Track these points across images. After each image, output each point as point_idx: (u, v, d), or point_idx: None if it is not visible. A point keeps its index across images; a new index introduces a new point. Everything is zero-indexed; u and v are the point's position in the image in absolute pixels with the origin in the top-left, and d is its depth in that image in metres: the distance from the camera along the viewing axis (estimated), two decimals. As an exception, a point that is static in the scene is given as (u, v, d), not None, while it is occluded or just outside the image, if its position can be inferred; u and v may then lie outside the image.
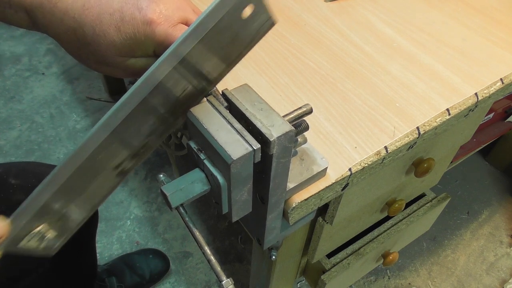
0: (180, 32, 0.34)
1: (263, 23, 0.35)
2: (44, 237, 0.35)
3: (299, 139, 0.42)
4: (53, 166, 0.75)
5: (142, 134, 0.36)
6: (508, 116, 1.08)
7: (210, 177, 0.38)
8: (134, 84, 0.32)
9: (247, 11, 0.32)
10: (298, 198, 0.43)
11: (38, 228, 0.34)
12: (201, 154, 0.38)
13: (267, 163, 0.36)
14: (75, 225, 0.38)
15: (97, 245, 1.22)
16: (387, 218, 0.83)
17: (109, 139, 0.32)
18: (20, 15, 0.35)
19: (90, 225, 0.82)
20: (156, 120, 0.36)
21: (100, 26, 0.33)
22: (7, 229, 0.27)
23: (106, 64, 0.36)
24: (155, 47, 0.35)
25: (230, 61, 0.37)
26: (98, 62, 0.36)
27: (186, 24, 0.36)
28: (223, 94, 0.38)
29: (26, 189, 0.66)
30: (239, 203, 0.39)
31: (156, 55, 0.36)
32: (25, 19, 0.35)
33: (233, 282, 0.39)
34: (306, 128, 0.40)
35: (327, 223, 0.61)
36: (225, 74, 0.38)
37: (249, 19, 0.33)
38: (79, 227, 0.38)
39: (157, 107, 0.35)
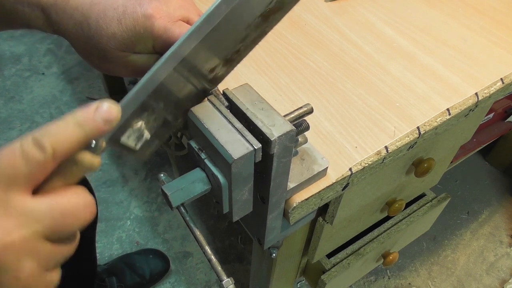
0: (179, 28, 0.35)
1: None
2: (141, 137, 0.36)
3: (299, 139, 0.42)
4: None
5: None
6: (508, 116, 1.08)
7: (210, 176, 0.38)
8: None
9: None
10: (298, 198, 0.43)
11: (138, 125, 0.34)
12: (202, 153, 0.38)
13: (267, 163, 0.36)
14: (166, 131, 0.38)
15: (97, 245, 1.22)
16: (387, 218, 0.83)
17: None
18: (36, 14, 0.37)
19: (89, 225, 0.82)
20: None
21: (104, 19, 0.35)
22: (119, 113, 0.27)
23: (108, 59, 0.37)
24: (154, 41, 0.36)
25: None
26: (100, 57, 0.37)
27: (188, 23, 0.37)
28: (224, 94, 0.38)
29: None
30: (240, 203, 0.40)
31: (156, 52, 0.37)
32: (40, 17, 0.37)
33: (233, 282, 0.39)
34: (307, 128, 0.40)
35: (327, 223, 0.61)
36: (226, 74, 0.39)
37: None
38: (169, 134, 0.38)
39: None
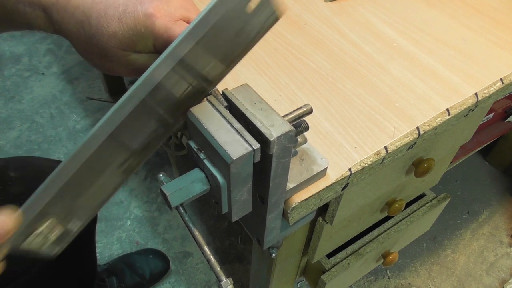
0: (180, 27, 0.35)
1: (267, 18, 0.35)
2: (48, 237, 0.35)
3: (299, 139, 0.42)
4: (52, 161, 0.75)
5: (142, 135, 0.36)
6: (508, 116, 1.08)
7: (210, 176, 0.38)
8: (134, 84, 0.32)
9: (252, 5, 0.32)
10: (298, 198, 0.43)
11: (42, 227, 0.34)
12: (201, 153, 0.38)
13: (267, 163, 0.36)
14: (79, 225, 0.38)
15: (97, 245, 1.22)
16: (387, 218, 0.83)
17: (109, 140, 0.33)
18: (37, 13, 0.37)
19: (89, 225, 0.82)
20: (156, 120, 0.36)
21: (105, 17, 0.35)
22: (16, 222, 0.27)
23: (109, 58, 0.37)
24: (154, 41, 0.36)
25: (230, 61, 0.37)
26: (101, 56, 0.37)
27: (188, 23, 0.37)
28: (223, 94, 0.38)
29: (25, 182, 0.66)
30: (239, 203, 0.39)
31: (157, 51, 0.37)
32: (41, 16, 0.37)
33: (232, 282, 0.39)
34: (306, 128, 0.40)
35: (327, 223, 0.61)
36: (225, 74, 0.38)
37: (253, 14, 0.33)
38: (82, 227, 0.38)
39: (157, 107, 0.35)
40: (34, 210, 0.32)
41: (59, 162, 0.75)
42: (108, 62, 0.38)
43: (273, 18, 0.35)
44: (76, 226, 0.37)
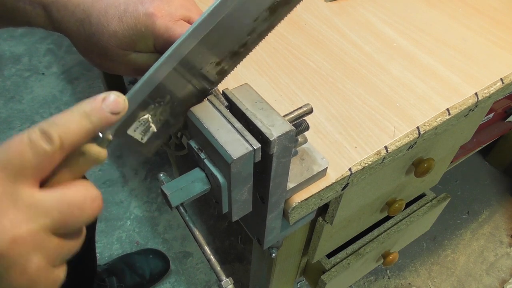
0: (180, 27, 0.35)
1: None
2: (148, 129, 0.35)
3: (299, 139, 0.42)
4: None
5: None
6: (508, 116, 1.08)
7: (210, 176, 0.38)
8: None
9: None
10: (298, 198, 0.43)
11: (144, 117, 0.34)
12: (202, 153, 0.38)
13: (267, 163, 0.36)
14: (173, 125, 0.38)
15: (97, 245, 1.22)
16: (387, 218, 0.83)
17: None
18: (37, 11, 0.37)
19: (89, 225, 0.82)
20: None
21: (105, 16, 0.35)
22: (126, 104, 0.27)
23: (109, 57, 0.37)
24: (154, 40, 0.36)
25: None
26: (101, 55, 0.37)
27: (189, 23, 0.37)
28: (224, 94, 0.38)
29: None
30: (239, 203, 0.40)
31: (157, 51, 0.37)
32: (41, 14, 0.37)
33: (232, 282, 0.39)
34: (307, 128, 0.40)
35: (327, 223, 0.61)
36: (226, 74, 0.39)
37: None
38: (175, 129, 0.38)
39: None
40: (137, 99, 0.32)
41: None
42: (108, 61, 0.38)
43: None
44: (169, 125, 0.38)
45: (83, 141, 0.26)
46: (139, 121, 0.34)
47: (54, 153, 0.24)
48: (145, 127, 0.35)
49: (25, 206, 0.24)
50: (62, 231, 0.26)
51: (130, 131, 0.34)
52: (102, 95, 0.26)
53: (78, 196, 0.26)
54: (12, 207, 0.24)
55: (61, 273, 0.27)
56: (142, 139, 0.35)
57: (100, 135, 0.27)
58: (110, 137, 0.28)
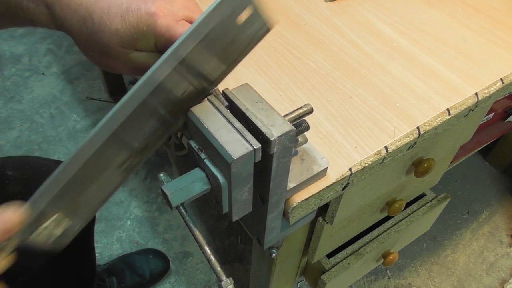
0: (182, 27, 0.35)
1: (259, 29, 0.35)
2: (53, 232, 0.35)
3: (299, 139, 0.42)
4: (50, 160, 0.75)
5: (143, 134, 0.36)
6: (508, 116, 1.08)
7: (210, 176, 0.38)
8: (135, 84, 0.32)
9: (243, 17, 0.32)
10: (298, 198, 0.43)
11: (48, 222, 0.34)
12: (202, 153, 0.38)
13: (267, 163, 0.36)
14: (80, 223, 0.38)
15: (97, 245, 1.22)
16: (387, 218, 0.83)
17: (110, 141, 0.33)
18: (40, 9, 0.37)
19: (88, 225, 0.83)
20: (157, 120, 0.36)
21: (107, 15, 0.35)
22: (23, 217, 0.27)
23: (110, 56, 0.37)
24: (156, 40, 0.36)
25: (230, 63, 0.37)
26: (102, 53, 0.37)
27: (191, 23, 0.37)
28: (224, 94, 0.38)
29: (23, 181, 0.66)
30: (240, 203, 0.40)
31: (158, 50, 0.37)
32: (44, 12, 0.37)
33: (232, 282, 0.39)
34: (307, 128, 0.40)
35: (327, 223, 0.61)
36: (225, 75, 0.39)
37: (244, 25, 0.33)
38: (83, 226, 0.38)
39: (158, 107, 0.35)
40: (40, 204, 0.32)
41: (57, 161, 0.75)
42: (108, 60, 0.38)
43: (264, 29, 0.36)
44: (77, 223, 0.37)
45: None
46: (44, 226, 0.34)
47: None
48: (53, 227, 0.35)
49: None
50: None
51: (32, 238, 0.33)
52: None
53: None
54: None
55: None
56: (47, 241, 0.35)
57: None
58: (15, 244, 0.28)
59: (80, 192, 0.34)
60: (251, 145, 0.34)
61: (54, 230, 0.35)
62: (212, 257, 0.38)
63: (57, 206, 0.33)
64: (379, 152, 0.47)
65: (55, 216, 0.34)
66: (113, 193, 0.38)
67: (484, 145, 1.09)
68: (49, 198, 0.32)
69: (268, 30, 0.36)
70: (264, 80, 0.55)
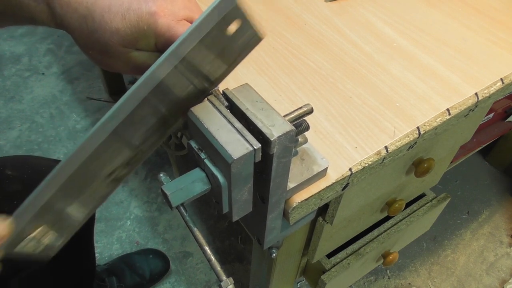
0: (182, 27, 0.35)
1: (250, 39, 0.35)
2: (40, 242, 0.35)
3: (299, 139, 0.42)
4: (50, 160, 0.75)
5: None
6: (508, 116, 1.08)
7: (210, 176, 0.38)
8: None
9: (232, 28, 0.33)
10: (298, 198, 0.43)
11: (35, 232, 0.34)
12: (202, 153, 0.38)
13: (267, 163, 0.36)
14: (71, 229, 0.38)
15: (97, 245, 1.22)
16: (387, 218, 0.83)
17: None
18: (41, 7, 0.37)
19: (87, 225, 0.82)
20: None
21: (108, 13, 0.35)
22: (8, 229, 0.27)
23: (109, 54, 0.37)
24: (156, 39, 0.36)
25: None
26: (102, 52, 0.37)
27: (191, 23, 0.37)
28: (224, 94, 0.38)
29: (23, 180, 0.66)
30: (240, 203, 0.40)
31: (158, 49, 0.37)
32: (45, 10, 0.37)
33: (232, 282, 0.39)
34: (307, 128, 0.40)
35: (327, 223, 0.61)
36: (226, 75, 0.39)
37: (235, 35, 0.33)
38: (74, 231, 0.38)
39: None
40: (25, 216, 0.32)
41: (56, 161, 0.75)
42: (108, 58, 0.38)
43: (256, 39, 0.36)
44: (67, 230, 0.37)
45: None
46: (30, 237, 0.34)
47: None
48: (39, 239, 0.35)
49: None
50: None
51: (18, 249, 0.33)
52: None
53: None
54: None
55: None
56: (35, 251, 0.35)
57: None
58: (1, 253, 0.28)
59: (65, 205, 0.34)
60: (251, 145, 0.34)
61: (41, 240, 0.35)
62: (212, 257, 0.38)
63: (42, 219, 0.33)
64: (379, 152, 0.47)
65: (40, 229, 0.34)
66: (98, 206, 0.38)
67: (484, 145, 1.09)
68: (34, 211, 0.32)
69: (259, 40, 0.36)
70: (264, 80, 0.55)
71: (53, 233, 0.35)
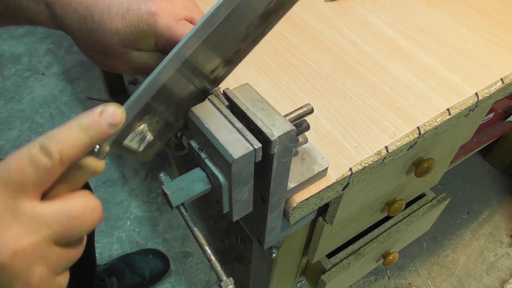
0: (182, 27, 0.35)
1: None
2: (144, 139, 0.36)
3: (300, 139, 0.42)
4: None
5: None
6: (508, 116, 1.08)
7: (211, 176, 0.38)
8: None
9: None
10: (298, 197, 0.43)
11: (140, 127, 0.35)
12: (202, 153, 0.38)
13: (268, 163, 0.36)
14: (168, 132, 0.39)
15: (97, 245, 1.22)
16: (387, 218, 0.83)
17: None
18: (40, 8, 0.37)
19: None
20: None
21: (108, 14, 0.35)
22: (124, 115, 0.27)
23: (110, 55, 0.37)
24: (156, 39, 0.36)
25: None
26: (102, 52, 0.37)
27: (191, 23, 0.37)
28: (224, 94, 0.38)
29: None
30: (240, 203, 0.40)
31: (158, 50, 0.37)
32: (44, 12, 0.37)
33: (232, 282, 0.39)
34: (307, 127, 0.40)
35: (327, 223, 0.61)
36: (227, 75, 0.39)
37: None
38: (171, 135, 0.39)
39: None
40: (134, 110, 0.32)
41: None
42: (108, 59, 0.38)
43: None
44: (165, 133, 0.38)
45: (82, 154, 0.26)
46: (135, 132, 0.34)
47: (53, 168, 0.25)
48: (141, 136, 0.35)
49: (26, 220, 0.25)
50: (63, 241, 0.27)
51: (126, 142, 0.34)
52: (99, 108, 0.27)
53: (78, 207, 0.27)
54: (13, 221, 0.25)
55: (63, 279, 0.28)
56: (138, 148, 0.36)
57: (97, 147, 0.27)
58: (108, 148, 0.28)
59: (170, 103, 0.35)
60: (251, 145, 0.34)
61: (144, 137, 0.36)
62: (212, 257, 0.38)
63: (145, 115, 0.34)
64: (379, 152, 0.47)
65: (142, 126, 0.35)
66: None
67: (484, 145, 1.09)
68: (142, 105, 0.32)
69: None
70: (264, 80, 0.55)
71: (150, 135, 0.36)
